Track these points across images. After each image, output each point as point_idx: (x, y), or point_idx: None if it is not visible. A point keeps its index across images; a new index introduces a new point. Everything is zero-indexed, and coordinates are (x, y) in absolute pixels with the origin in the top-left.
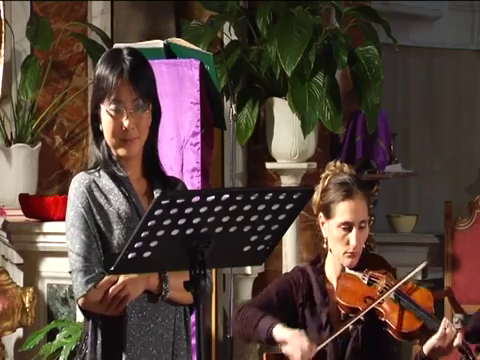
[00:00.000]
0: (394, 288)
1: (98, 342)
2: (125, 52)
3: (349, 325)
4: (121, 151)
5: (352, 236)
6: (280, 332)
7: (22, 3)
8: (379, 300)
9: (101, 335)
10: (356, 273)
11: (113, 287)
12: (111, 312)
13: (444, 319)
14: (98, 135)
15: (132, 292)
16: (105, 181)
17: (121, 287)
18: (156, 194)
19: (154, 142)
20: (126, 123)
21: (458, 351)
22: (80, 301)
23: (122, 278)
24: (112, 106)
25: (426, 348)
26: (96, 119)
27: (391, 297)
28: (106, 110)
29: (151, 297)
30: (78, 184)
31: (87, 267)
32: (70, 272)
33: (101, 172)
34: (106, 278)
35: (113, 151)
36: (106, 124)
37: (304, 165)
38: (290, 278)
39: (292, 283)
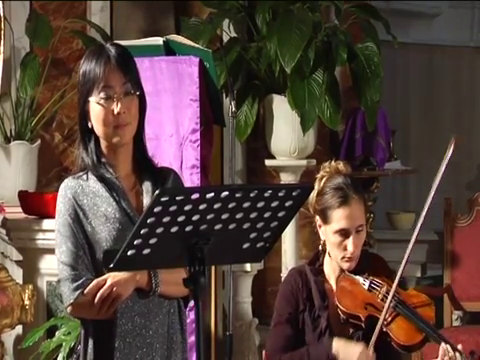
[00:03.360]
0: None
1: (89, 346)
2: (107, 44)
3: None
4: (115, 139)
5: (349, 242)
6: (341, 349)
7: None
8: (384, 312)
9: (92, 341)
10: (356, 277)
11: (102, 291)
12: (102, 316)
13: (442, 344)
14: (86, 134)
15: (122, 292)
16: (93, 184)
17: (109, 290)
18: (144, 189)
19: (142, 134)
20: (117, 108)
21: None
22: (69, 309)
23: (110, 281)
24: (102, 94)
25: None
26: (84, 117)
27: (392, 307)
28: (96, 101)
29: (142, 294)
30: (64, 191)
31: (74, 275)
32: (58, 281)
33: (89, 175)
34: (94, 283)
35: (104, 145)
36: (97, 115)
37: (303, 162)
38: (290, 287)
39: (294, 291)
